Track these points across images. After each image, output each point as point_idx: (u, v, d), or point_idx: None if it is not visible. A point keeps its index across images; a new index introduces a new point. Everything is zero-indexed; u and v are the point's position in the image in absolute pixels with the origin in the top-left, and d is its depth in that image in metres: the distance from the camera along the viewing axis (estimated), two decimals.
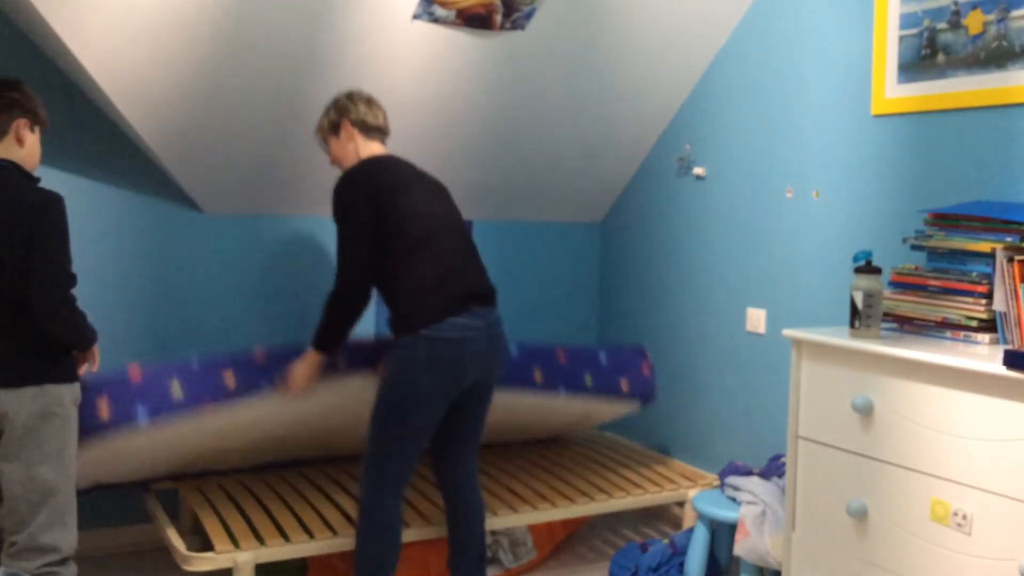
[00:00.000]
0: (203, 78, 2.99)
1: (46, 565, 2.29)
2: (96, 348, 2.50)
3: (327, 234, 3.75)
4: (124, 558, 3.37)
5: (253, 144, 3.28)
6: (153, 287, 3.46)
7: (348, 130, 2.82)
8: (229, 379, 2.73)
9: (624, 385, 3.38)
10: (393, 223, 2.65)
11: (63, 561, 2.33)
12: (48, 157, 3.03)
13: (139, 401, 2.60)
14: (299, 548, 2.84)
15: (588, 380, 3.29)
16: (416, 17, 3.04)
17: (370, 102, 2.85)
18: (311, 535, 2.87)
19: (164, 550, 3.06)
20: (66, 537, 2.33)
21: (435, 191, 2.81)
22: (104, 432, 2.60)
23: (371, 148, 2.84)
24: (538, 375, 3.17)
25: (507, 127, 3.60)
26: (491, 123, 3.56)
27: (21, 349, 2.29)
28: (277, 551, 2.80)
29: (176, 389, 2.62)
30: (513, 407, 3.21)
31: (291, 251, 3.69)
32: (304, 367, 2.79)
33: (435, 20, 3.07)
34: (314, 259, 3.73)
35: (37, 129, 2.42)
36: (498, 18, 3.14)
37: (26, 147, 2.36)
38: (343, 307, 2.70)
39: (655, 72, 3.58)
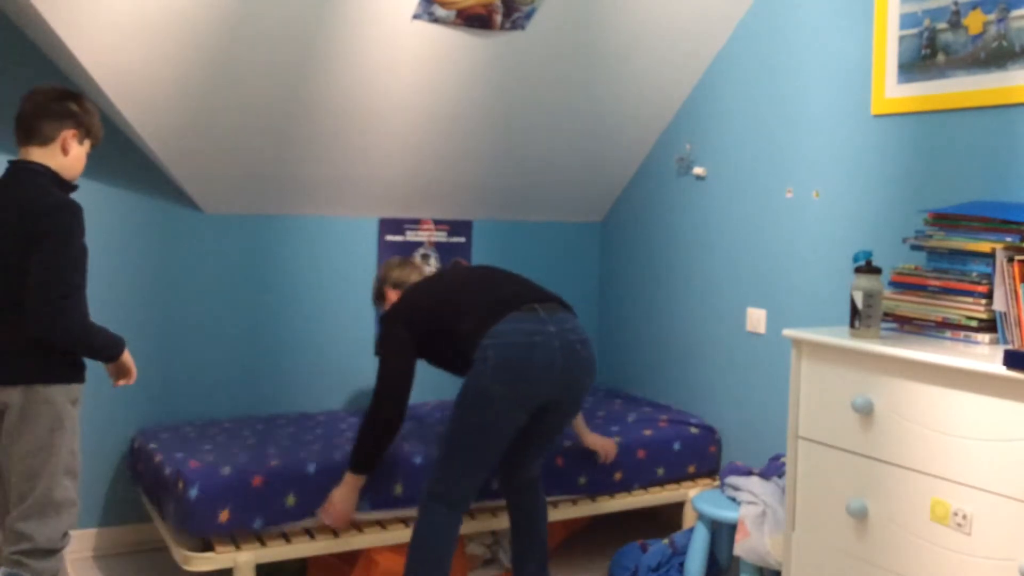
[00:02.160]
0: (203, 77, 2.99)
1: (16, 552, 2.32)
2: (125, 360, 2.52)
3: (327, 234, 3.75)
4: (124, 558, 3.37)
5: (253, 144, 3.28)
6: (153, 287, 3.46)
7: (390, 294, 3.13)
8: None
9: (692, 469, 3.51)
10: (428, 328, 2.82)
11: (36, 552, 2.32)
12: None
13: (256, 514, 2.78)
14: (299, 548, 2.84)
15: (660, 472, 3.42)
16: (416, 17, 3.04)
17: (402, 264, 3.17)
18: (311, 535, 2.88)
19: (164, 550, 3.06)
20: (42, 530, 2.33)
21: (448, 276, 3.01)
22: (219, 531, 2.76)
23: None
24: (618, 476, 3.28)
25: (507, 127, 3.60)
26: (491, 123, 3.56)
27: (15, 347, 2.33)
28: (277, 551, 2.80)
29: (290, 500, 2.82)
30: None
31: (291, 251, 3.69)
32: (345, 492, 2.81)
33: (435, 20, 3.07)
34: (314, 259, 3.73)
35: (87, 143, 2.48)
36: (498, 18, 3.14)
37: (70, 157, 2.43)
38: (379, 423, 2.80)
39: (655, 72, 3.58)
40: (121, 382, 2.59)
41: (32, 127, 2.38)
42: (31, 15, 2.77)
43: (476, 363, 2.63)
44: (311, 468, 2.87)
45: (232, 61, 2.97)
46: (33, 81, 3.12)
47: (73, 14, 2.68)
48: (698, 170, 3.68)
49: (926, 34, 2.74)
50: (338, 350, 3.80)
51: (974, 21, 2.61)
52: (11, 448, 2.35)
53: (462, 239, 4.01)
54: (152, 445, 3.13)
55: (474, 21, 3.12)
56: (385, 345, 2.84)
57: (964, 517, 2.11)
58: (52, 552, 2.36)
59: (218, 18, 2.83)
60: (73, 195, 2.43)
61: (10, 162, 2.41)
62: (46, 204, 2.32)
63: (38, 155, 2.38)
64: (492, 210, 4.01)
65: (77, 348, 2.39)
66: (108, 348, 2.47)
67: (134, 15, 2.74)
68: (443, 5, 3.03)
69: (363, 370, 3.86)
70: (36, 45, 3.15)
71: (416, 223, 3.91)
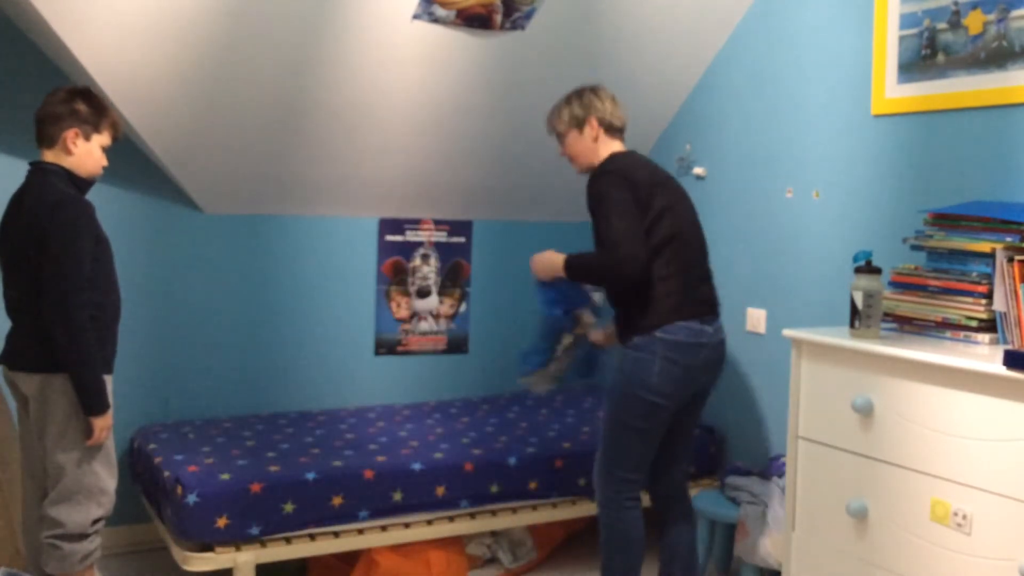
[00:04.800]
0: (203, 78, 2.99)
1: (50, 536, 2.45)
2: (96, 422, 2.44)
3: (327, 234, 3.75)
4: (124, 558, 3.37)
5: (253, 144, 3.28)
6: (153, 287, 3.46)
7: (593, 129, 2.74)
8: (336, 502, 2.90)
9: (692, 469, 3.42)
10: (647, 219, 2.59)
11: (68, 537, 2.44)
12: None
13: (254, 521, 2.79)
14: (299, 549, 2.84)
15: None
16: (416, 17, 3.04)
17: (615, 101, 2.77)
18: (311, 536, 2.88)
19: (164, 550, 3.06)
20: (72, 515, 2.44)
21: (682, 194, 2.74)
22: (217, 537, 2.76)
23: (613, 146, 2.76)
24: None
25: (507, 127, 3.60)
26: (491, 123, 3.55)
27: (30, 336, 2.45)
28: (277, 552, 2.80)
29: (288, 508, 2.83)
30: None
31: (291, 251, 3.69)
32: (548, 258, 2.74)
33: (435, 20, 3.07)
34: (314, 259, 3.73)
35: (97, 138, 2.52)
36: (498, 18, 3.14)
37: (76, 155, 2.49)
38: (611, 272, 2.59)
39: (655, 72, 3.58)
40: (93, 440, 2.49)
41: (40, 131, 2.50)
42: (32, 16, 2.77)
43: (640, 351, 2.58)
44: (310, 476, 2.87)
45: (232, 61, 2.97)
46: (33, 81, 3.13)
47: (73, 14, 2.68)
48: (698, 170, 3.68)
49: (926, 34, 2.74)
50: (338, 350, 3.80)
51: (974, 21, 2.61)
52: (39, 438, 2.47)
53: (462, 239, 4.01)
54: (152, 446, 3.13)
55: (474, 21, 3.12)
56: (610, 204, 2.56)
57: (964, 517, 2.11)
58: (84, 536, 2.46)
59: (218, 18, 2.83)
60: None
61: (30, 164, 2.53)
62: (49, 202, 2.41)
63: (50, 156, 2.50)
64: (492, 210, 4.01)
65: (72, 350, 2.39)
66: (96, 368, 2.44)
67: (134, 15, 2.74)
68: (443, 5, 3.03)
69: (363, 369, 3.86)
70: (36, 45, 3.15)
71: (416, 223, 3.90)
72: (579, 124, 2.74)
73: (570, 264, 2.68)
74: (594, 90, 2.78)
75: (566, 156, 2.82)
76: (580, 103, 2.75)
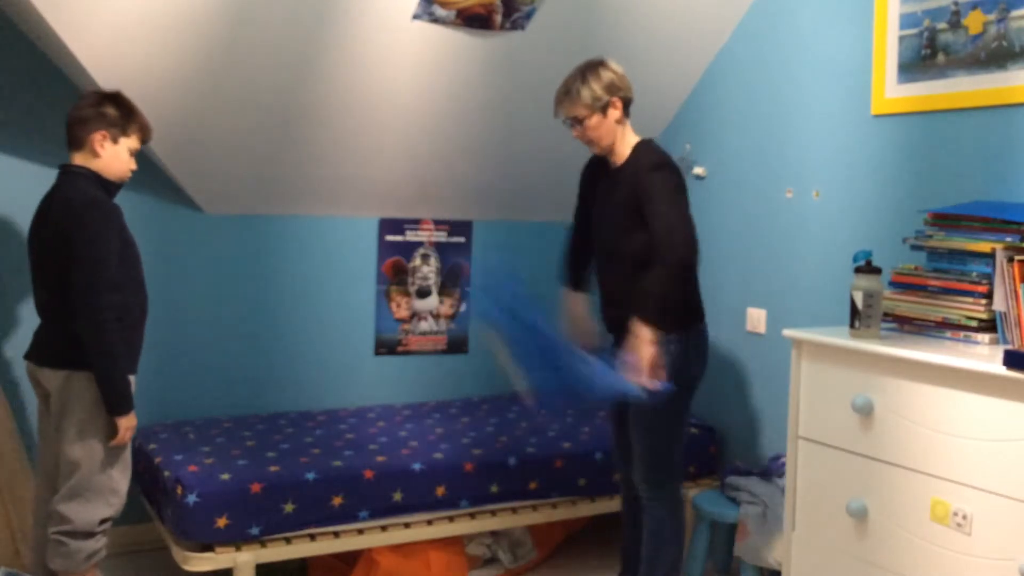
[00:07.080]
0: (203, 77, 2.99)
1: (57, 532, 2.46)
2: (121, 421, 2.47)
3: (327, 234, 3.75)
4: (124, 558, 3.37)
5: (253, 144, 3.28)
6: (153, 287, 3.44)
7: (617, 109, 2.70)
8: (336, 502, 2.90)
9: (692, 469, 3.47)
10: None
11: (76, 534, 2.46)
12: (49, 156, 3.03)
13: (254, 521, 2.79)
14: (299, 549, 2.84)
15: None
16: (416, 17, 3.04)
17: (623, 72, 2.73)
18: (311, 536, 2.88)
19: (164, 550, 3.06)
20: (81, 512, 2.46)
21: None
22: (217, 537, 2.76)
23: (628, 126, 2.78)
24: (618, 476, 3.24)
25: (507, 127, 3.60)
26: (491, 123, 3.55)
27: (56, 334, 2.49)
28: (277, 552, 2.80)
29: (288, 508, 2.84)
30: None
31: (291, 251, 3.69)
32: (650, 348, 2.52)
33: (435, 20, 3.07)
34: (314, 259, 3.73)
35: (125, 141, 2.55)
36: (498, 18, 3.14)
37: (103, 158, 2.53)
38: (687, 273, 2.57)
39: (655, 72, 3.58)
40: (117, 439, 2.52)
41: (69, 134, 2.54)
42: (31, 15, 2.77)
43: (682, 343, 2.69)
44: (310, 476, 2.87)
45: (232, 61, 2.97)
46: (33, 81, 3.14)
47: (73, 14, 2.68)
48: (698, 170, 3.68)
49: (926, 34, 2.74)
50: (338, 349, 3.80)
51: (974, 21, 2.61)
52: (57, 433, 2.48)
53: (462, 239, 4.01)
54: (152, 446, 3.14)
55: (474, 21, 3.12)
56: (682, 199, 2.61)
57: (964, 517, 2.11)
58: (90, 535, 2.48)
59: (218, 18, 2.83)
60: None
61: (59, 166, 2.56)
62: (75, 204, 2.45)
63: (79, 159, 2.53)
64: (492, 210, 4.01)
65: (99, 349, 2.41)
66: (121, 368, 2.47)
67: (134, 15, 2.74)
68: (443, 5, 3.03)
69: (363, 369, 3.86)
70: (36, 46, 3.15)
71: (416, 223, 3.91)
72: (604, 107, 2.68)
73: (658, 317, 2.53)
74: (604, 65, 2.71)
75: (583, 139, 2.75)
76: (600, 84, 2.67)
